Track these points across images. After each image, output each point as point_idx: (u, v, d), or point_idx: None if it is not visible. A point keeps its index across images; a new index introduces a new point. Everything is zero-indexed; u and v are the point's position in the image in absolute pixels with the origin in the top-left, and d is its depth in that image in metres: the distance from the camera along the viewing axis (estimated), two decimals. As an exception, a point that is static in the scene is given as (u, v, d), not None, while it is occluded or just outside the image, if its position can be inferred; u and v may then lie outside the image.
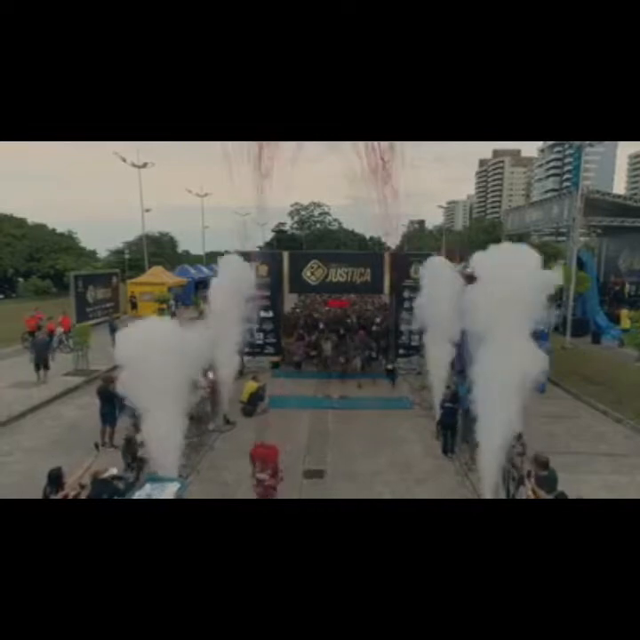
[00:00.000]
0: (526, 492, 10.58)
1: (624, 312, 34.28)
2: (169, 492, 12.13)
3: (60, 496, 10.28)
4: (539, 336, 17.05)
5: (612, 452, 18.41)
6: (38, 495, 10.35)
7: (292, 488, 13.06)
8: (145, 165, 53.86)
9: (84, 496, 10.49)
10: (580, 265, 35.30)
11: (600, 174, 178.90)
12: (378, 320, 35.47)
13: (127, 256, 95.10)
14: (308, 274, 31.56)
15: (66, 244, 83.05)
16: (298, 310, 40.99)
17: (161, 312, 42.65)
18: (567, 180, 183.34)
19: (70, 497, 10.32)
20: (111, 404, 18.66)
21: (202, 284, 59.32)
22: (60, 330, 33.86)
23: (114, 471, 12.97)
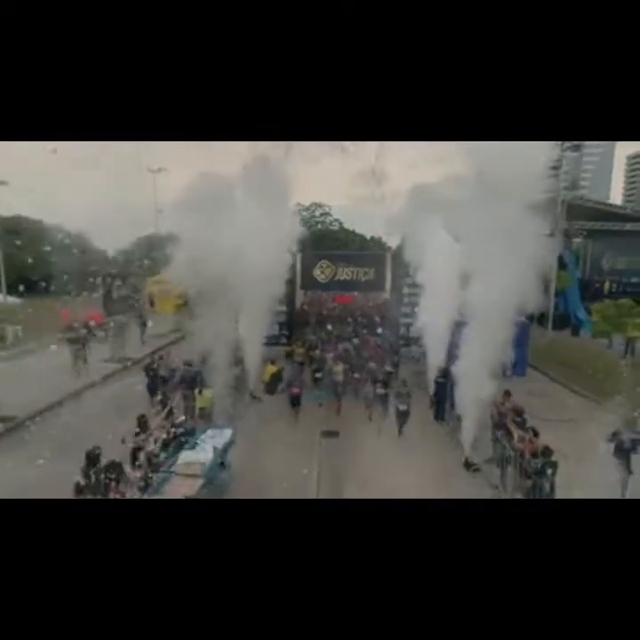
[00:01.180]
0: (508, 427, 16.37)
1: (595, 307, 36.86)
2: (226, 434, 17.34)
3: (144, 437, 14.95)
4: (520, 327, 21.68)
5: (571, 418, 22.36)
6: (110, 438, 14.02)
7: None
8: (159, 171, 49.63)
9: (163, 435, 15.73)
10: (563, 265, 38.98)
11: (597, 175, 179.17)
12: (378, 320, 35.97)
13: (136, 256, 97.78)
14: (318, 272, 34.91)
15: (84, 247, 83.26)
16: (306, 307, 41.46)
17: (179, 309, 43.59)
18: (564, 180, 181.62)
19: (155, 439, 15.22)
20: (155, 380, 23.58)
21: None
22: (92, 323, 35.62)
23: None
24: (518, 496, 12.97)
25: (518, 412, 17.35)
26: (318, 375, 25.91)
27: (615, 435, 14.95)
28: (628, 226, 41.25)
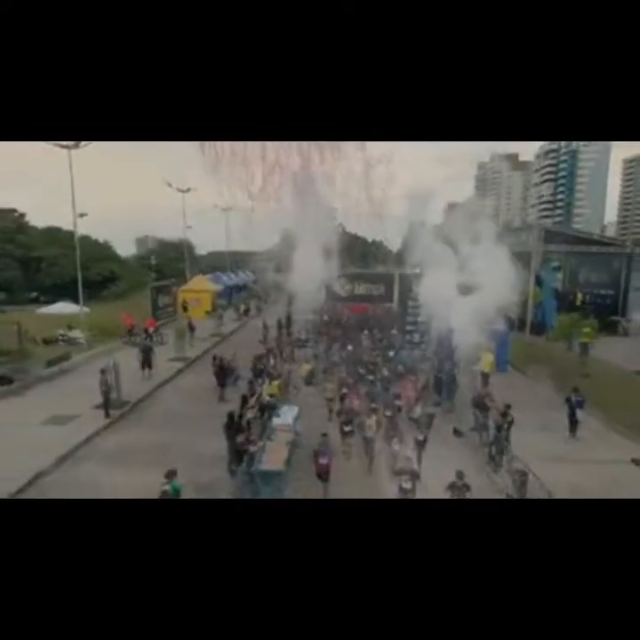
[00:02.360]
0: (485, 403, 23.09)
1: (559, 318, 43.73)
2: (294, 410, 23.91)
3: (247, 412, 21.48)
4: (500, 333, 28.93)
5: (535, 405, 27.15)
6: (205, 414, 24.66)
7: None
8: (188, 190, 48.90)
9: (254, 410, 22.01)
10: (540, 282, 46.36)
11: (593, 180, 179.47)
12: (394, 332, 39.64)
13: (153, 262, 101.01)
14: (339, 287, 41.03)
15: (106, 253, 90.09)
16: (326, 317, 46.56)
17: (207, 314, 55.02)
18: (561, 185, 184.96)
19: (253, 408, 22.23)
20: (224, 373, 29.44)
21: (236, 289, 73.67)
22: (151, 329, 43.01)
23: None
24: (491, 446, 20.82)
25: (489, 396, 24.08)
26: (348, 428, 21.89)
27: (568, 400, 23.76)
28: (594, 248, 51.70)
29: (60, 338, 41.25)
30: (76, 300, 48.24)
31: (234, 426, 19.25)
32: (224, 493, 14.36)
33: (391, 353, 31.68)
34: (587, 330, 36.31)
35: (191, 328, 42.79)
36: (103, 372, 25.62)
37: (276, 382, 26.30)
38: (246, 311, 62.25)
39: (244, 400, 22.96)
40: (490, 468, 20.08)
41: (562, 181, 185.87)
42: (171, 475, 12.87)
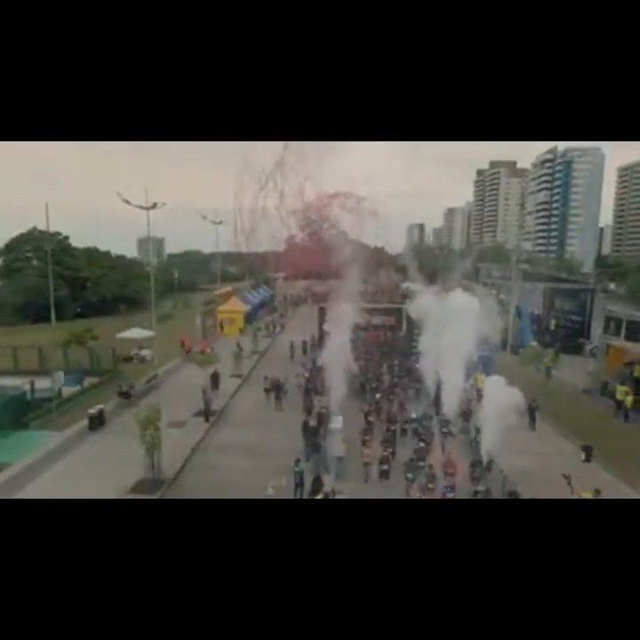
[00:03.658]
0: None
1: (524, 351, 49.09)
2: (340, 419, 28.64)
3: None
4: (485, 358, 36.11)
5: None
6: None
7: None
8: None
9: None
10: (519, 313, 55.86)
11: (588, 188, 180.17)
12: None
13: (176, 275, 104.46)
14: (359, 318, 42.56)
15: (140, 270, 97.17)
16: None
17: (240, 332, 62.60)
18: (557, 193, 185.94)
19: None
20: (276, 389, 36.73)
21: (259, 306, 79.18)
22: (208, 349, 46.93)
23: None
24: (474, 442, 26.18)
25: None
26: (385, 467, 24.20)
27: (529, 406, 30.44)
28: (565, 285, 64.97)
29: (134, 356, 49.23)
30: (115, 315, 58.53)
31: (309, 429, 28.50)
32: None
33: (413, 414, 31.71)
34: (547, 358, 43.12)
35: (239, 348, 49.02)
36: (204, 391, 34.57)
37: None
38: (274, 328, 67.91)
39: (309, 411, 32.73)
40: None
41: (557, 190, 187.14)
42: (297, 462, 21.99)
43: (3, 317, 64.07)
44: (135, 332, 50.96)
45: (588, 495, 17.87)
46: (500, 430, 22.42)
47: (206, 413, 33.50)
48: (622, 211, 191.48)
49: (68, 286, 79.05)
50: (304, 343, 52.06)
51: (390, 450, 26.23)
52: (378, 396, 34.51)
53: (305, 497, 17.15)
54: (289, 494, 17.18)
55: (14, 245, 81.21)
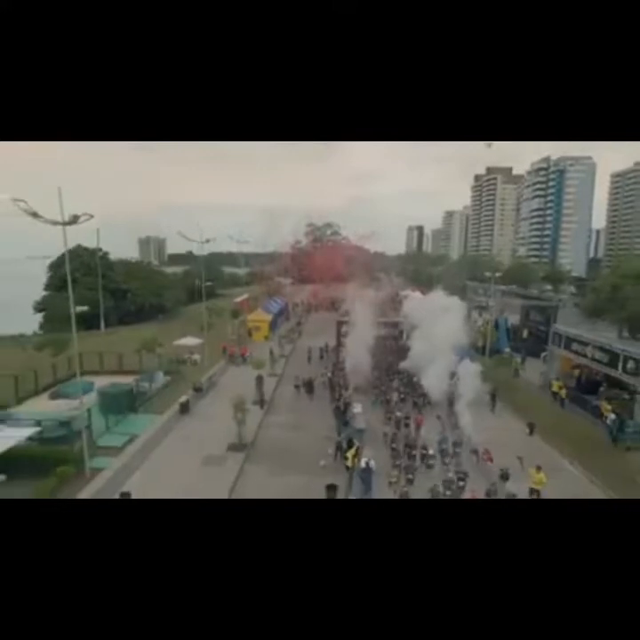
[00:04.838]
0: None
1: (507, 351, 59.10)
2: (359, 405, 35.05)
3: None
4: (463, 354, 38.87)
5: (479, 401, 36.49)
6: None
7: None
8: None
9: None
10: (497, 325, 62.66)
11: (580, 196, 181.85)
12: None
13: (206, 284, 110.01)
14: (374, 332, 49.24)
15: (165, 278, 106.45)
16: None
17: (266, 338, 68.62)
18: (550, 201, 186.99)
19: None
20: (308, 385, 44.48)
21: (278, 314, 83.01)
22: (247, 354, 56.63)
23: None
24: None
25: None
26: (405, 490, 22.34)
27: (492, 394, 40.26)
28: (534, 302, 73.94)
29: (188, 360, 55.28)
30: (149, 322, 74.65)
31: (339, 411, 36.66)
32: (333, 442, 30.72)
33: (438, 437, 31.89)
34: (514, 363, 53.65)
35: (272, 353, 55.16)
36: (258, 385, 41.81)
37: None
38: (295, 334, 73.38)
39: (337, 399, 39.56)
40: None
41: (550, 197, 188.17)
42: (338, 434, 32.00)
43: (59, 325, 68.02)
44: (188, 340, 58.33)
45: (532, 471, 23.81)
46: (474, 408, 33.16)
47: (261, 402, 41.13)
48: (615, 216, 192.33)
49: (111, 297, 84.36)
50: (321, 349, 58.19)
51: (410, 476, 25.67)
52: (398, 414, 36.17)
53: (345, 456, 27.23)
54: (333, 461, 28.96)
55: (62, 262, 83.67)
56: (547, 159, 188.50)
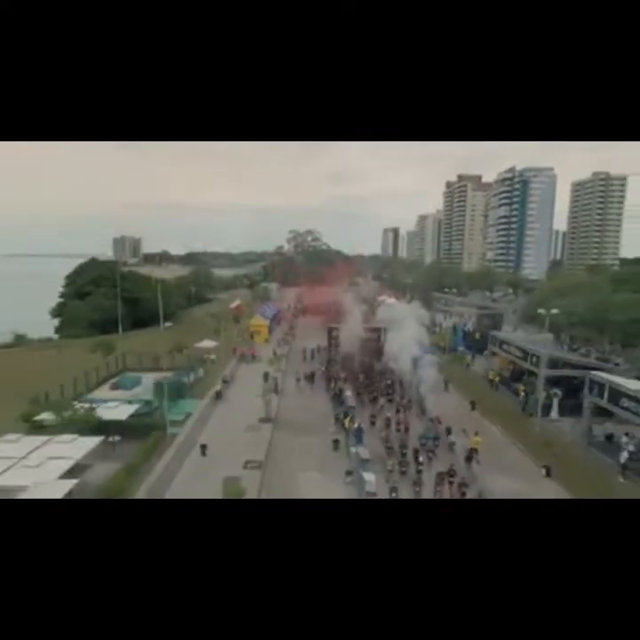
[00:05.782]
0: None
1: (460, 349, 68.58)
2: (348, 390, 44.61)
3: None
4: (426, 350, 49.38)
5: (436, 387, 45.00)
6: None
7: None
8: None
9: None
10: (455, 330, 74.39)
11: (542, 205, 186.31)
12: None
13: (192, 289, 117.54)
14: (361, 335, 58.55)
15: (176, 289, 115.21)
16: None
17: (265, 340, 74.48)
18: (515, 209, 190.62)
19: None
20: (310, 378, 52.00)
21: (273, 319, 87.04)
22: (256, 355, 63.63)
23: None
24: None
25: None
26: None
27: (445, 381, 50.23)
28: (480, 311, 79.79)
29: (207, 359, 60.92)
30: (158, 326, 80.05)
31: (335, 396, 44.84)
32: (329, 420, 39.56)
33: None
34: (466, 359, 62.60)
35: (275, 353, 63.10)
36: (275, 378, 49.78)
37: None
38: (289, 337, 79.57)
39: (332, 387, 47.41)
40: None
41: (515, 206, 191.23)
42: (340, 413, 39.72)
43: (80, 329, 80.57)
44: (206, 343, 65.24)
45: (474, 437, 33.75)
46: (432, 391, 42.52)
47: (276, 389, 47.95)
48: (575, 221, 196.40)
49: (126, 305, 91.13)
50: (313, 350, 64.14)
51: (404, 468, 29.91)
52: (388, 414, 39.95)
53: (342, 423, 37.25)
54: (335, 429, 37.38)
55: (81, 272, 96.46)
56: (512, 170, 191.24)
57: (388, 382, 48.49)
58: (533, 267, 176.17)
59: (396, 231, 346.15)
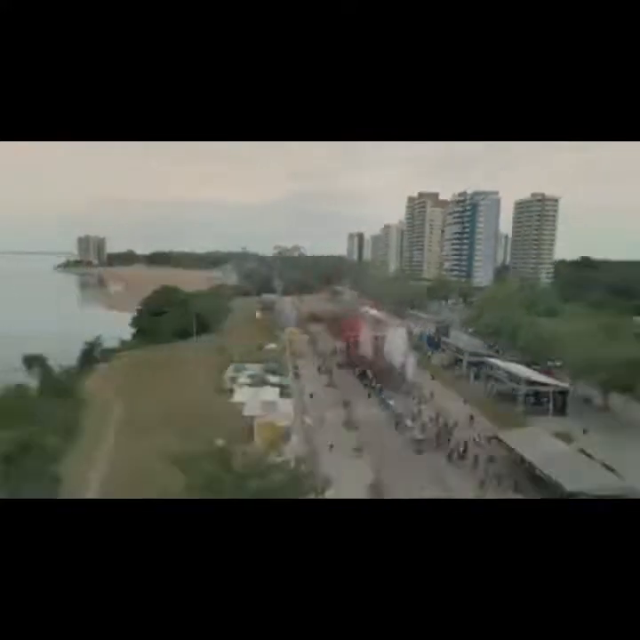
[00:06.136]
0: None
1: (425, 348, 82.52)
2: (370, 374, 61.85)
3: None
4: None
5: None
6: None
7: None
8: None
9: None
10: (422, 337, 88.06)
11: (487, 223, 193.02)
12: None
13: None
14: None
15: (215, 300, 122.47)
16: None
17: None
18: (467, 227, 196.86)
19: None
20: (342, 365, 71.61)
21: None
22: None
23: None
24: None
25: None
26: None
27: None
28: (438, 323, 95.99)
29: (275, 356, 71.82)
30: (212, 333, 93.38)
31: (361, 375, 61.84)
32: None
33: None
34: (428, 355, 77.26)
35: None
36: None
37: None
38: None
39: (357, 373, 62.80)
40: None
41: (466, 224, 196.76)
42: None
43: (166, 337, 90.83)
44: (271, 346, 76.98)
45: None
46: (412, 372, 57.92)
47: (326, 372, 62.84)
48: (518, 233, 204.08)
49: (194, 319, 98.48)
50: (334, 349, 77.10)
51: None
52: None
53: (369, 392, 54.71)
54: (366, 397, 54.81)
55: (154, 299, 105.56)
56: (463, 193, 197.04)
57: (388, 369, 61.25)
58: (482, 275, 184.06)
59: (360, 236, 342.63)
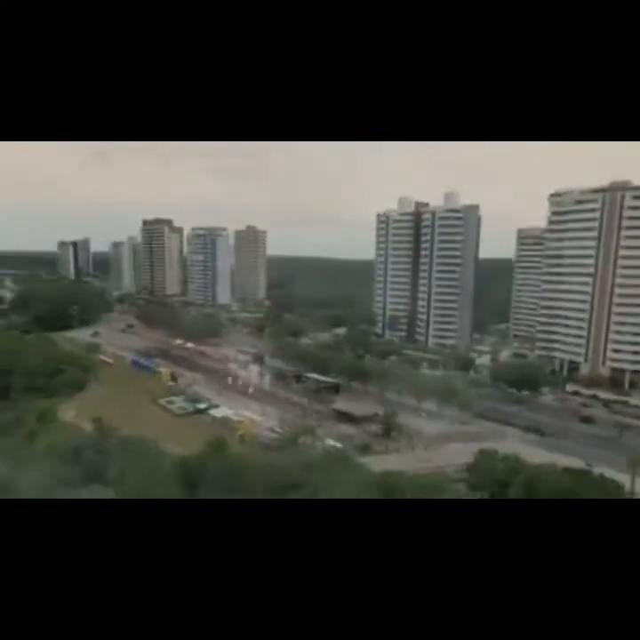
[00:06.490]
0: None
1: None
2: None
3: None
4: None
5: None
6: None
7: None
8: None
9: None
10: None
11: (224, 254, 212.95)
12: None
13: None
14: None
15: None
16: None
17: None
18: (209, 256, 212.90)
19: None
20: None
21: None
22: None
23: None
24: None
25: None
26: None
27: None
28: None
29: None
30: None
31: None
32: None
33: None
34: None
35: None
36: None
37: None
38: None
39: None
40: None
41: (209, 255, 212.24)
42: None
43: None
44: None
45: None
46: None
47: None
48: (240, 262, 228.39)
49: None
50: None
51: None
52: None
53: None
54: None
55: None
56: (205, 228, 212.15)
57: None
58: (224, 301, 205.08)
59: (74, 246, 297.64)
